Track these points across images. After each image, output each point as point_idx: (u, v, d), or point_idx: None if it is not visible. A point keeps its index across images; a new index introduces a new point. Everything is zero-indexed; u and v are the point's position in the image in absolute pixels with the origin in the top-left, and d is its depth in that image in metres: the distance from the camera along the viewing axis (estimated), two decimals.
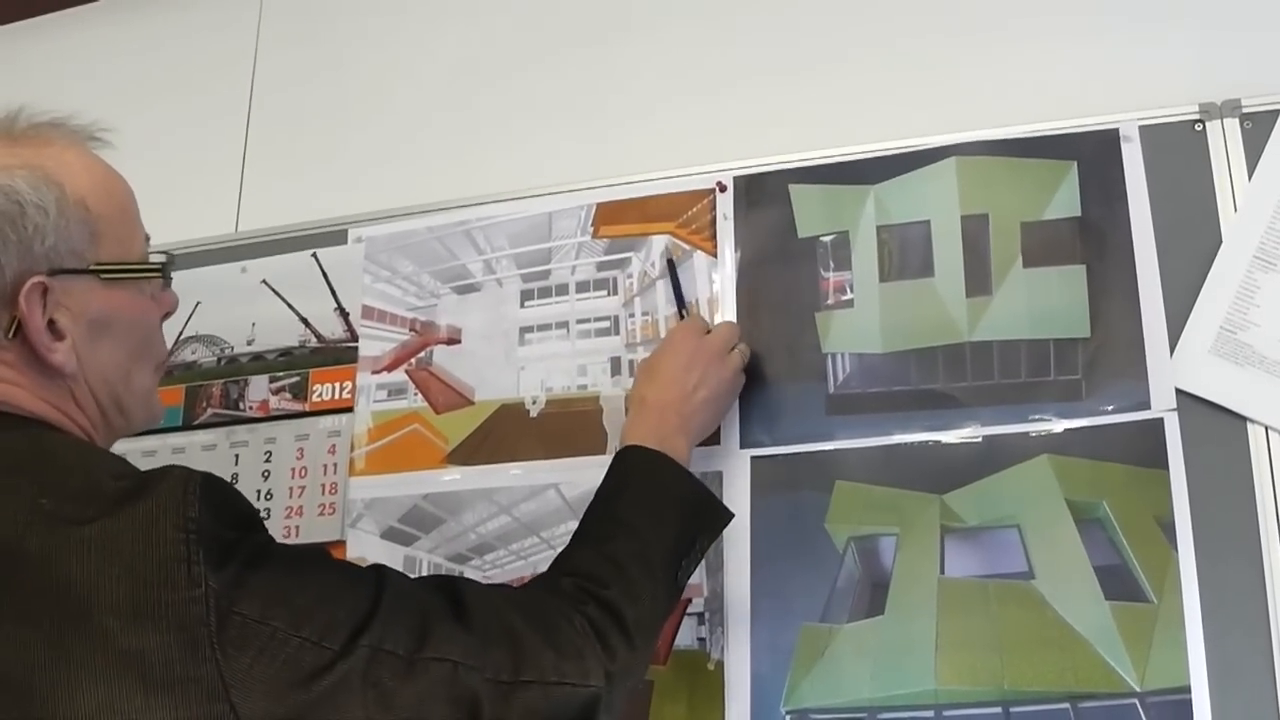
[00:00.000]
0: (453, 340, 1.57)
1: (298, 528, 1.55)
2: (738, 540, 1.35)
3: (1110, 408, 1.27)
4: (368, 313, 1.61)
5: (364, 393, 1.58)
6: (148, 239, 1.05)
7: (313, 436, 1.58)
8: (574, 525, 1.17)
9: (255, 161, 1.86)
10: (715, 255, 1.47)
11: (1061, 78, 1.45)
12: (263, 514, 1.53)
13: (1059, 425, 1.28)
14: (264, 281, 1.68)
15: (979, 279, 1.35)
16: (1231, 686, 1.15)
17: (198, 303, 1.68)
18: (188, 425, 1.65)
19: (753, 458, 1.38)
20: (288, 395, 1.62)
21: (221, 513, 0.87)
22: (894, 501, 1.31)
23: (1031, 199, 1.35)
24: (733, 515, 1.23)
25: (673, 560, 1.13)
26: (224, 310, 1.68)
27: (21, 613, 0.83)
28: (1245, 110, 1.31)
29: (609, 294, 1.51)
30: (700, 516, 1.19)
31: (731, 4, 1.65)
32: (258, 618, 0.85)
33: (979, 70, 1.50)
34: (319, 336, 1.63)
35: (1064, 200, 1.34)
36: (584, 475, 1.38)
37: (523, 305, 1.55)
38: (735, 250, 1.46)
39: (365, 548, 1.51)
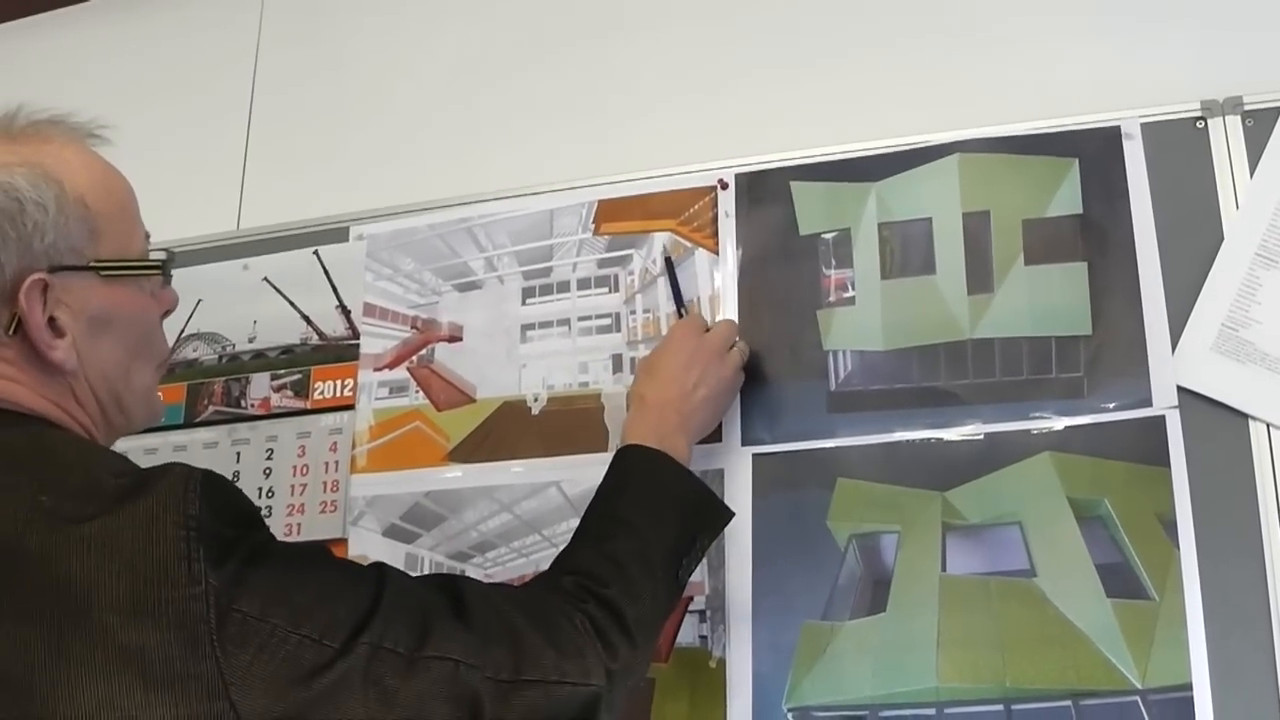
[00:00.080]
0: (454, 338, 1.57)
1: (299, 525, 1.55)
2: (739, 538, 1.35)
3: (1112, 405, 1.27)
4: (369, 310, 1.61)
5: (365, 390, 1.58)
6: (148, 236, 1.05)
7: (314, 434, 1.58)
8: (575, 523, 1.17)
9: (257, 159, 1.86)
10: (717, 252, 1.46)
11: (1063, 75, 1.45)
12: (264, 512, 1.53)
13: (1060, 423, 1.28)
14: (265, 279, 1.68)
15: (980, 276, 1.35)
16: (1233, 684, 1.15)
17: (199, 300, 1.68)
18: (189, 423, 1.65)
19: (754, 455, 1.38)
20: (289, 393, 1.62)
21: (222, 510, 0.87)
22: (895, 499, 1.31)
23: (1033, 196, 1.35)
24: (733, 514, 1.23)
25: (673, 559, 1.13)
26: (226, 308, 1.68)
27: (21, 610, 0.83)
28: (1247, 107, 1.30)
29: (610, 291, 1.51)
30: (700, 515, 1.19)
31: (734, 1, 1.65)
32: (258, 615, 0.85)
33: (981, 67, 1.50)
34: (320, 334, 1.63)
35: (1066, 197, 1.34)
36: (585, 473, 1.38)
37: (524, 302, 1.55)
38: (737, 247, 1.46)
39: (367, 545, 1.51)
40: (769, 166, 1.47)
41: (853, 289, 1.40)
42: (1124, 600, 1.20)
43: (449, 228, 1.61)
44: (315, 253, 1.66)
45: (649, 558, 1.10)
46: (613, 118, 1.66)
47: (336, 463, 1.56)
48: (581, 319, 1.52)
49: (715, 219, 1.48)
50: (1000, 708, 1.21)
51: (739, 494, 1.36)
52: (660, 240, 1.50)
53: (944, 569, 1.27)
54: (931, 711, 1.23)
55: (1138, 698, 1.17)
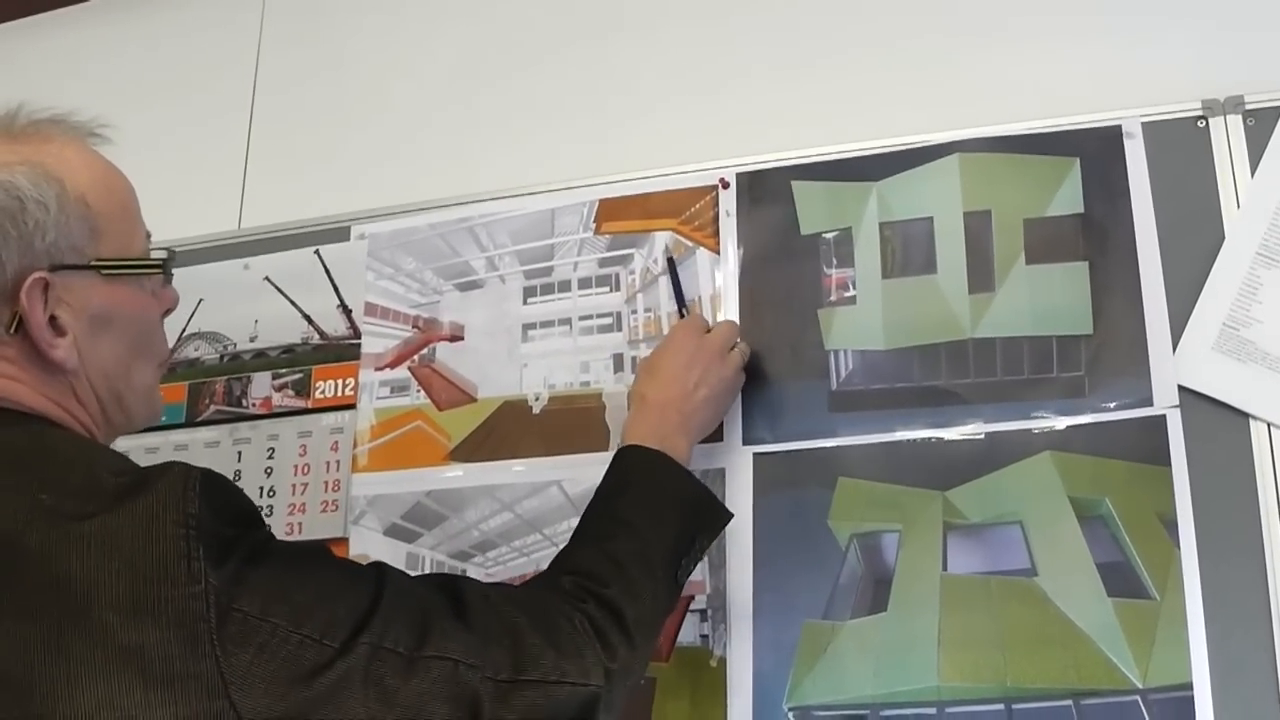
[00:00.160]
0: (455, 337, 1.57)
1: (300, 524, 1.55)
2: (740, 537, 1.35)
3: (1113, 404, 1.27)
4: (370, 309, 1.61)
5: (367, 389, 1.58)
6: (149, 235, 1.05)
7: (315, 433, 1.58)
8: (576, 522, 1.17)
9: (258, 158, 1.86)
10: (718, 252, 1.46)
11: (1064, 74, 1.45)
12: (266, 511, 1.54)
13: (1061, 422, 1.28)
14: (267, 278, 1.68)
15: (982, 276, 1.35)
16: (1234, 683, 1.15)
17: (200, 300, 1.68)
18: (191, 422, 1.65)
19: (755, 454, 1.38)
20: (290, 392, 1.62)
21: (221, 509, 0.87)
22: (896, 498, 1.31)
23: (1034, 195, 1.35)
24: (732, 515, 1.23)
25: (673, 559, 1.13)
26: (227, 307, 1.68)
27: (21, 609, 0.83)
28: (1248, 107, 1.30)
29: (611, 290, 1.51)
30: (700, 516, 1.19)
31: (734, 1, 1.65)
32: (258, 614, 0.85)
33: (982, 67, 1.49)
34: (322, 333, 1.63)
35: (1067, 197, 1.34)
36: (586, 472, 1.38)
37: (525, 302, 1.55)
38: (738, 247, 1.46)
39: (368, 545, 1.51)
40: (770, 166, 1.47)
41: (854, 288, 1.40)
42: (1125, 600, 1.20)
43: (450, 227, 1.61)
44: (316, 252, 1.66)
45: (649, 558, 1.10)
46: (613, 117, 1.66)
47: (338, 462, 1.56)
48: (583, 318, 1.52)
49: (716, 218, 1.48)
50: (1001, 707, 1.21)
51: (740, 493, 1.36)
52: (661, 239, 1.50)
53: (945, 568, 1.27)
54: (932, 711, 1.23)
55: (1138, 697, 1.17)
